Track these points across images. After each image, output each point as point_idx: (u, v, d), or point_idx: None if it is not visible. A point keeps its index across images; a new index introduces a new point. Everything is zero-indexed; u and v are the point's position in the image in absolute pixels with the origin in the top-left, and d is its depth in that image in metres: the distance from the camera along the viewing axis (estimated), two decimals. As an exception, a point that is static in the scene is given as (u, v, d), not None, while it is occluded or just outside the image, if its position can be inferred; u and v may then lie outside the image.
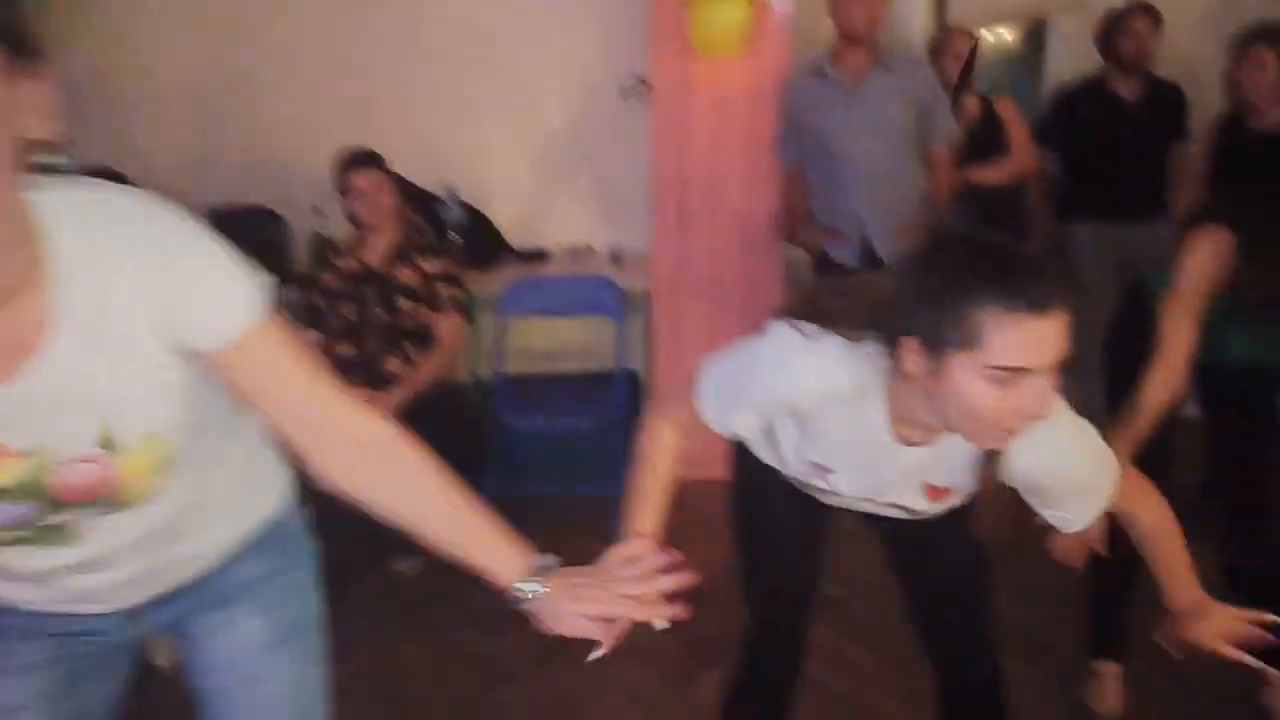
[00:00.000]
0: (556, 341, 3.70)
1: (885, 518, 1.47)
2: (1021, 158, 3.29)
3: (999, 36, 4.15)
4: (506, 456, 3.20)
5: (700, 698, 2.23)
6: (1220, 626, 1.27)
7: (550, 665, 2.35)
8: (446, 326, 2.93)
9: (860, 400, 1.20)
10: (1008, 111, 3.33)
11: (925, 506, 1.34)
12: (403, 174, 3.42)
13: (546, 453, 3.31)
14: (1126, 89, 3.22)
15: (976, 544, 1.53)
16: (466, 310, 3.04)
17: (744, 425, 1.31)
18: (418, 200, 3.42)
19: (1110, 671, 2.12)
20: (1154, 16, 3.18)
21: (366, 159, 2.92)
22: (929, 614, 1.56)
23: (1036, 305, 0.99)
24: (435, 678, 2.41)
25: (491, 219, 3.68)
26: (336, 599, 1.33)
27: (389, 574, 2.83)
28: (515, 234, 3.73)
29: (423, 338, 2.91)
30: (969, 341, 1.01)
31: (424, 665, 2.46)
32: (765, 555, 1.59)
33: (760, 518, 1.56)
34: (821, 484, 1.37)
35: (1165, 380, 1.69)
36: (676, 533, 1.33)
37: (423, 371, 2.86)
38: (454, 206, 3.48)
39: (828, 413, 1.24)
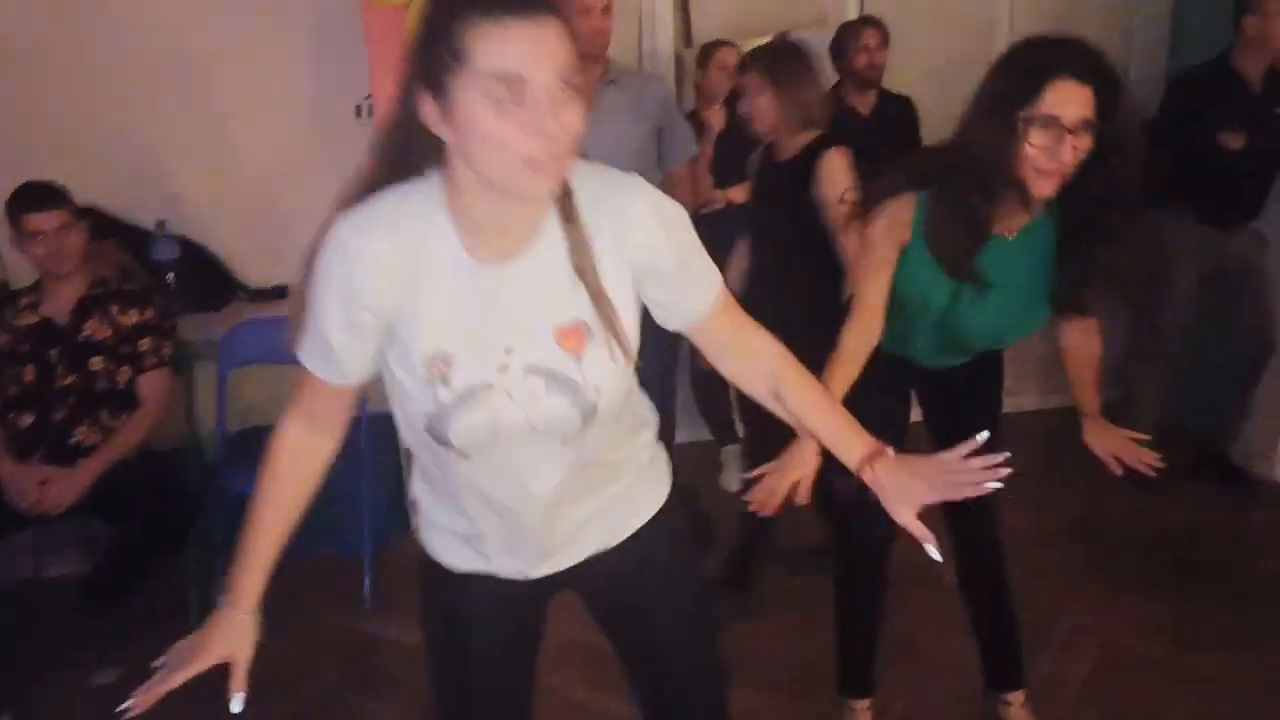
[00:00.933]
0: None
1: (595, 585, 1.32)
2: None
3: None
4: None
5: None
6: (909, 486, 1.18)
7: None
8: (149, 385, 2.58)
9: (424, 223, 1.08)
10: None
11: (574, 371, 1.12)
12: (107, 208, 3.06)
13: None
14: (860, 102, 3.28)
15: (701, 599, 1.42)
16: (176, 363, 2.70)
17: (340, 343, 1.12)
18: (123, 238, 3.04)
19: (862, 708, 2.08)
20: (882, 31, 3.25)
21: (46, 195, 2.52)
22: (652, 694, 1.41)
23: (515, 9, 0.97)
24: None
25: (218, 255, 3.33)
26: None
27: (87, 686, 2.46)
28: (251, 270, 3.39)
29: (122, 400, 2.55)
30: (460, 60, 0.98)
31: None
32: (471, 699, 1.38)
33: (461, 659, 1.35)
34: (445, 394, 1.10)
35: (862, 326, 1.70)
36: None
37: (120, 440, 2.50)
38: (168, 243, 3.10)
39: (397, 274, 1.08)
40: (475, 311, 1.10)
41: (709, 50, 3.29)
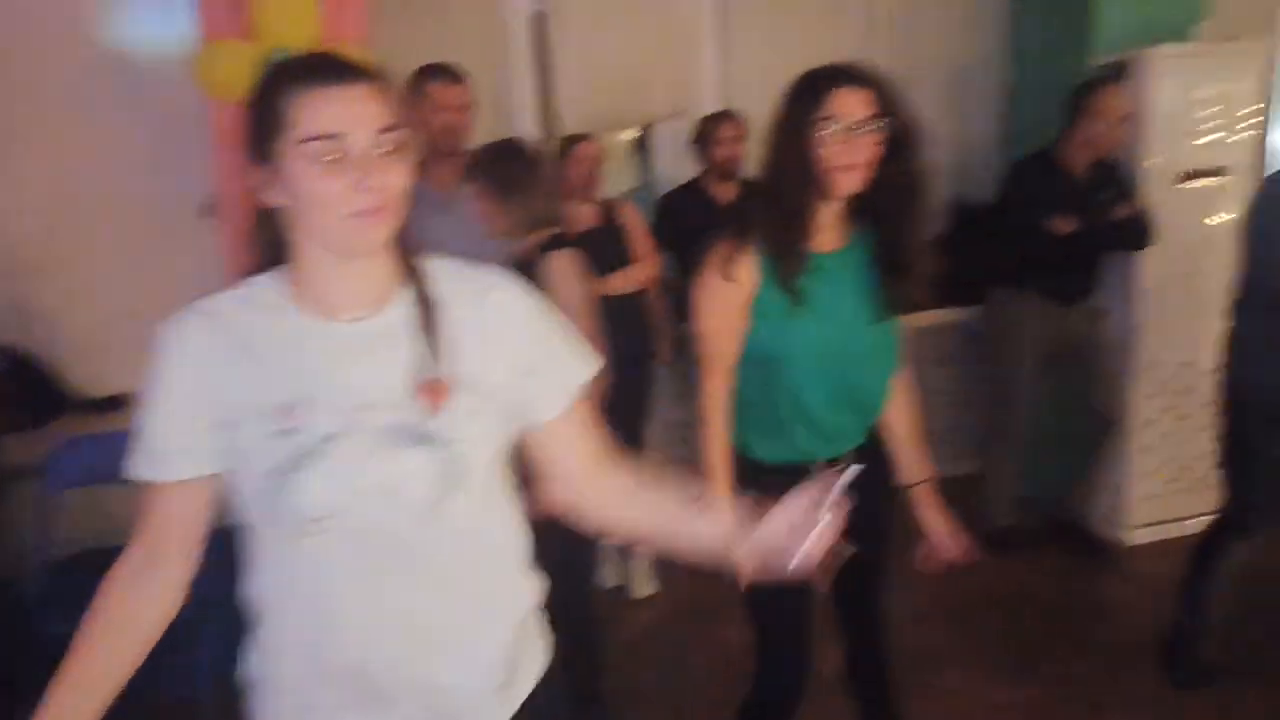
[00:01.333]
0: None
1: None
2: (648, 264, 3.25)
3: (617, 141, 4.25)
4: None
5: None
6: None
7: None
8: (-46, 516, 2.31)
9: (256, 301, 1.12)
10: (631, 217, 3.27)
11: (432, 425, 1.09)
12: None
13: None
14: (721, 192, 3.35)
15: None
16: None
17: (163, 436, 1.11)
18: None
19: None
20: (740, 124, 3.34)
21: None
22: None
23: (329, 78, 1.04)
24: None
25: (48, 365, 3.06)
26: None
27: None
28: (83, 379, 3.13)
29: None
30: (283, 129, 1.04)
31: None
32: None
33: None
34: (302, 440, 1.06)
35: (720, 378, 1.78)
36: None
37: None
38: (-13, 355, 2.84)
39: (223, 360, 1.09)
40: (324, 372, 1.09)
41: (568, 143, 3.28)
